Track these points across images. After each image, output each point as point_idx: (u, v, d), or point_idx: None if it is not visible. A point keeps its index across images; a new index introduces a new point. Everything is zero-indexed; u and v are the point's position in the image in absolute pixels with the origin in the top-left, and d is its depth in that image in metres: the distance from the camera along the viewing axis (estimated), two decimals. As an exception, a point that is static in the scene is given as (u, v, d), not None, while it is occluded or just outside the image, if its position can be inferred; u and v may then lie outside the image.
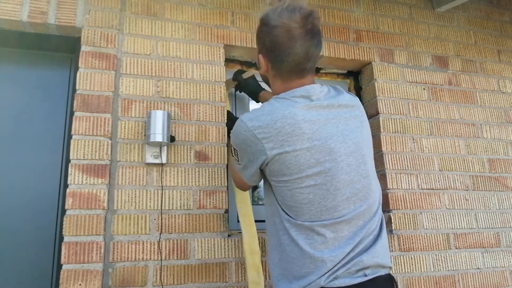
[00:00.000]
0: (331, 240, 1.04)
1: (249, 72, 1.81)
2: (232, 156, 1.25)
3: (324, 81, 2.22)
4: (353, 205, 1.07)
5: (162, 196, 1.62)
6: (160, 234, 1.58)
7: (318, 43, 1.13)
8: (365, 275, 1.02)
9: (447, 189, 2.06)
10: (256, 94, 1.76)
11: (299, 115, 1.07)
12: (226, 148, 1.76)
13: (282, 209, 1.11)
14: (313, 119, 1.08)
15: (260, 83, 1.74)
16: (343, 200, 1.07)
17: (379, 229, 1.12)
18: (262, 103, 1.68)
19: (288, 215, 1.09)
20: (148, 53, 1.76)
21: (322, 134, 1.07)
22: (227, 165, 1.75)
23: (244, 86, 1.80)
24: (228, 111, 1.82)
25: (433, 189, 2.03)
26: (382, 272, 1.06)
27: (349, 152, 1.09)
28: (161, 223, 1.59)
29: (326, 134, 1.08)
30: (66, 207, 1.50)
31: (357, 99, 1.24)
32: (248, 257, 1.54)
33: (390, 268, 1.11)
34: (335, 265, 1.01)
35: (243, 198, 1.65)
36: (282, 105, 1.10)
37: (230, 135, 1.21)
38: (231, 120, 1.79)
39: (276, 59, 1.13)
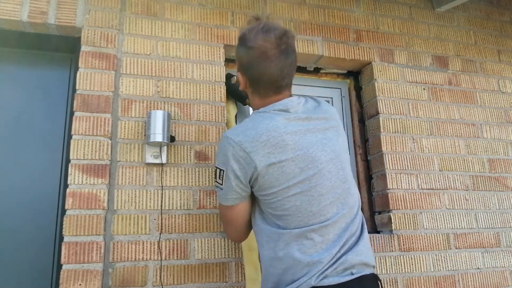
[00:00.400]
0: (319, 244, 1.10)
1: (234, 79, 1.82)
2: (215, 181, 1.23)
3: (324, 81, 2.22)
4: (336, 208, 1.15)
5: (162, 196, 1.62)
6: (160, 234, 1.58)
7: (292, 63, 1.20)
8: (352, 274, 1.08)
9: (447, 189, 2.06)
10: (243, 98, 1.81)
11: (281, 127, 1.15)
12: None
13: (269, 222, 1.17)
14: (294, 130, 1.15)
15: None
16: (327, 205, 1.14)
17: (361, 230, 1.19)
18: (249, 105, 1.76)
19: (278, 225, 1.15)
20: (148, 53, 1.76)
21: (304, 144, 1.14)
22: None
23: (232, 91, 1.84)
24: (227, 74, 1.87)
25: (433, 189, 2.03)
26: (367, 271, 1.12)
27: (329, 159, 1.17)
28: (161, 223, 1.59)
29: (307, 144, 1.15)
30: (66, 207, 1.50)
31: (334, 109, 1.33)
32: (246, 253, 1.56)
33: (374, 267, 1.17)
34: (324, 266, 1.07)
35: None
36: (265, 119, 1.17)
37: (216, 156, 1.25)
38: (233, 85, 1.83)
39: (253, 78, 1.20)
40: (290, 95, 1.25)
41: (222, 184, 1.19)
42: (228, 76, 1.85)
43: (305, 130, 1.17)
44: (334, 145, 1.20)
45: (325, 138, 1.19)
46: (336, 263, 1.08)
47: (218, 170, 1.20)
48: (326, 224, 1.12)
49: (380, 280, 1.15)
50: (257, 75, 1.18)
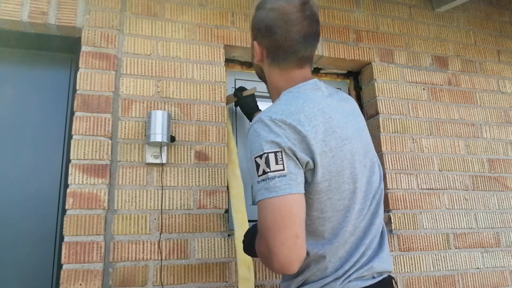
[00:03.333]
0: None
1: (250, 90, 1.79)
2: (259, 177, 0.91)
3: (324, 81, 2.22)
4: None
5: (162, 196, 1.62)
6: (160, 234, 1.59)
7: (316, 32, 1.08)
8: (373, 278, 1.00)
9: (446, 189, 2.06)
10: (251, 114, 1.75)
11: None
12: (226, 147, 1.77)
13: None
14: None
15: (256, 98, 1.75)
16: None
17: (381, 233, 1.11)
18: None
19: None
20: (148, 53, 1.76)
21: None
22: (227, 165, 1.75)
23: (242, 104, 1.79)
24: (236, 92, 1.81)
25: (432, 189, 2.04)
26: (385, 274, 1.05)
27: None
28: (161, 223, 1.60)
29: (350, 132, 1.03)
30: (67, 207, 1.50)
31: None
32: (240, 253, 1.52)
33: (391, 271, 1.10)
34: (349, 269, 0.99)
35: (237, 194, 1.64)
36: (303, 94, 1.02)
37: (251, 149, 0.95)
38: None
39: (271, 44, 1.06)
40: (313, 76, 1.10)
41: (284, 169, 0.90)
42: (241, 89, 1.81)
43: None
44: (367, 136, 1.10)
45: (360, 128, 1.07)
46: (361, 269, 0.98)
47: (260, 162, 0.91)
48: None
49: (396, 282, 1.09)
50: (278, 40, 1.03)
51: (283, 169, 0.89)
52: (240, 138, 1.95)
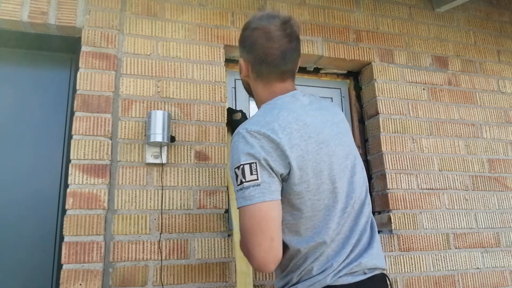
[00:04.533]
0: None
1: (236, 115, 1.79)
2: (237, 186, 0.99)
3: (324, 81, 2.22)
4: None
5: (162, 196, 1.62)
6: (160, 234, 1.59)
7: (296, 48, 1.16)
8: (364, 273, 1.05)
9: (446, 189, 2.06)
10: None
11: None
12: (226, 148, 1.77)
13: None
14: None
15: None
16: None
17: (371, 229, 1.16)
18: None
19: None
20: (148, 53, 1.76)
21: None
22: (227, 164, 1.75)
23: (234, 126, 1.78)
24: (229, 109, 1.83)
25: (432, 189, 2.04)
26: (378, 271, 1.09)
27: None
28: (161, 223, 1.60)
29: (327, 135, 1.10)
30: (67, 207, 1.50)
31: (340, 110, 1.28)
32: (238, 248, 1.53)
33: (384, 269, 1.12)
34: (339, 265, 1.03)
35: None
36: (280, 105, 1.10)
37: (232, 161, 1.03)
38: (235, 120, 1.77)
39: (255, 59, 1.15)
40: (295, 88, 1.19)
41: (258, 179, 0.98)
42: (230, 111, 1.82)
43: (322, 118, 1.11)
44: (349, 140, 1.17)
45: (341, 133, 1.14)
46: (351, 265, 1.03)
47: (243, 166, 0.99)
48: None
49: (389, 279, 1.12)
50: (260, 56, 1.13)
51: (257, 179, 0.97)
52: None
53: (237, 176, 1.00)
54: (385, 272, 1.11)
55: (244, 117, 1.80)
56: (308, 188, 1.02)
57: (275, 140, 1.00)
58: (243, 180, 0.98)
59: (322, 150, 1.05)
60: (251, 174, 0.98)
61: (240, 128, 1.05)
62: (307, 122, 1.07)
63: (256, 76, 1.18)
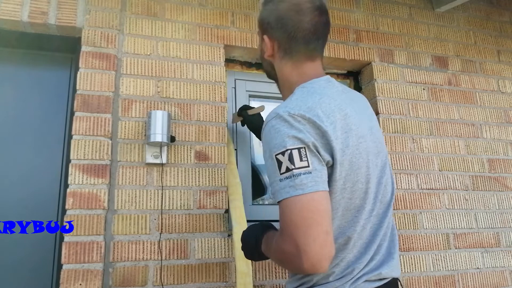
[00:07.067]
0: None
1: (257, 109, 1.75)
2: (281, 175, 0.86)
3: (324, 81, 2.22)
4: None
5: (162, 196, 1.62)
6: (160, 234, 1.59)
7: (326, 23, 1.06)
8: (380, 280, 0.98)
9: (446, 189, 2.06)
10: (259, 131, 1.70)
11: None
12: (226, 148, 1.77)
13: None
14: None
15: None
16: None
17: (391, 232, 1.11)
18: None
19: None
20: (148, 53, 1.76)
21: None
22: (226, 164, 1.75)
23: (248, 122, 1.75)
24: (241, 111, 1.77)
25: (433, 189, 2.04)
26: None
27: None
28: (161, 223, 1.60)
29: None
30: (67, 207, 1.50)
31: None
32: (238, 248, 1.52)
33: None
34: (359, 272, 0.97)
35: (235, 191, 1.64)
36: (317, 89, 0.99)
37: (270, 146, 0.90)
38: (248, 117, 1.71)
39: (283, 35, 1.04)
40: (324, 71, 1.08)
41: (309, 166, 0.86)
42: (245, 108, 1.77)
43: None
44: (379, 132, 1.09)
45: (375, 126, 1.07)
46: (370, 274, 0.96)
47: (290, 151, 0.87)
48: None
49: (401, 284, 1.07)
50: (290, 31, 1.02)
51: (308, 166, 0.85)
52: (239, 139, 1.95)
53: (280, 163, 0.86)
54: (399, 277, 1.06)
55: (259, 116, 1.75)
56: (344, 186, 0.92)
57: (321, 127, 0.88)
58: (292, 167, 0.85)
59: (361, 145, 0.95)
60: (301, 160, 0.85)
61: (280, 110, 0.91)
62: (348, 113, 0.96)
63: (283, 55, 1.06)
